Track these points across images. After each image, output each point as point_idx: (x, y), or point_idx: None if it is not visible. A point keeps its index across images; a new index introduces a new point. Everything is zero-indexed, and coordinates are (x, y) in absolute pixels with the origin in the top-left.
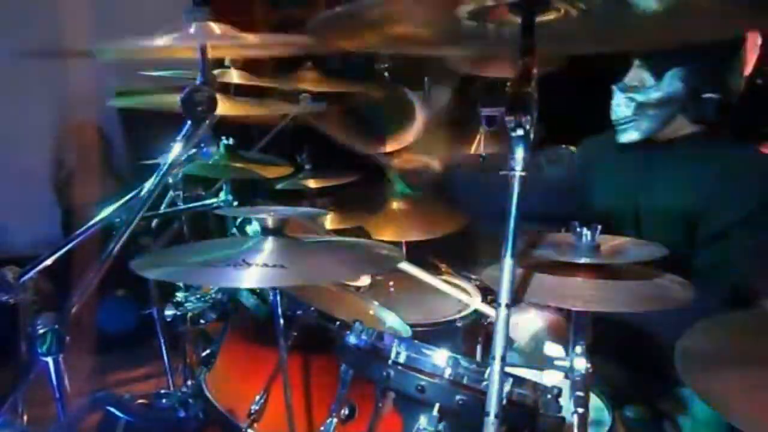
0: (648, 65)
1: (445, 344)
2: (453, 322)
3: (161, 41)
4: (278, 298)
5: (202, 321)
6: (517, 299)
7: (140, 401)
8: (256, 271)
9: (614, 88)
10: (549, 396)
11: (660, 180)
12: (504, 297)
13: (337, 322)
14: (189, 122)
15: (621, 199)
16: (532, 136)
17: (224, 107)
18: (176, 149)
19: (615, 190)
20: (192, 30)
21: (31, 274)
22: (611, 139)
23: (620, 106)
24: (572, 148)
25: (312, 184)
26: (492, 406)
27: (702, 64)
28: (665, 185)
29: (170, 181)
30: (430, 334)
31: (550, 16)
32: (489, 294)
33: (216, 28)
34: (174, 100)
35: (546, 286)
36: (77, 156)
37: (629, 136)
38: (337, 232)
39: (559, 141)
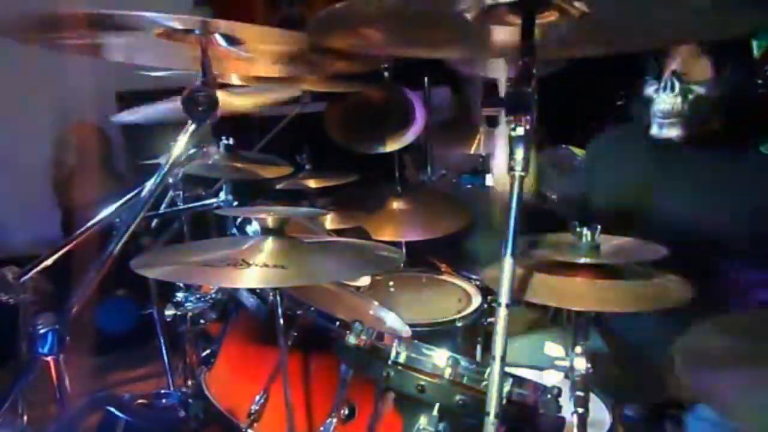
0: (709, 53)
1: (445, 344)
2: (453, 322)
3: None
4: (278, 298)
5: (202, 321)
6: (517, 299)
7: (140, 401)
8: (256, 271)
9: (669, 73)
10: (549, 396)
11: (678, 180)
12: (504, 297)
13: (337, 322)
14: (189, 122)
15: (632, 198)
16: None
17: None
18: (176, 149)
19: (626, 190)
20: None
21: (31, 274)
22: (624, 136)
23: (670, 99)
24: (573, 148)
25: (312, 184)
26: (492, 406)
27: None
28: (684, 185)
29: (170, 181)
30: (430, 334)
31: (551, 17)
32: (489, 294)
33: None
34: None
35: (546, 286)
36: (77, 156)
37: (669, 132)
38: (337, 232)
39: (560, 141)
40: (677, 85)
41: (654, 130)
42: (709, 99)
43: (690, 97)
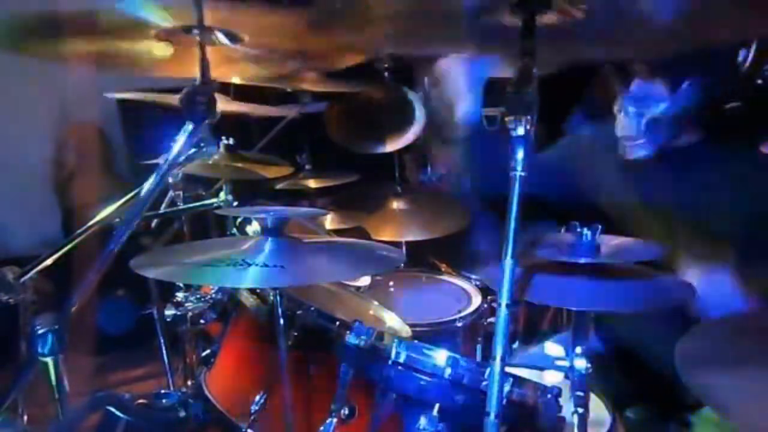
0: (658, 76)
1: (445, 344)
2: (453, 322)
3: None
4: (278, 298)
5: (202, 321)
6: (517, 299)
7: (140, 401)
8: (256, 271)
9: (621, 101)
10: (549, 396)
11: (663, 186)
12: (504, 297)
13: (337, 322)
14: (188, 122)
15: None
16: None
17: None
18: (175, 149)
19: (608, 195)
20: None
21: (31, 274)
22: (603, 140)
23: (628, 122)
24: None
25: (312, 184)
26: (492, 406)
27: (721, 72)
28: (669, 191)
29: (170, 181)
30: (430, 334)
31: (552, 18)
32: (489, 294)
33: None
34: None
35: (546, 286)
36: (77, 156)
37: (638, 153)
38: (337, 232)
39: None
40: (628, 109)
41: (621, 151)
42: (661, 120)
43: (642, 120)
